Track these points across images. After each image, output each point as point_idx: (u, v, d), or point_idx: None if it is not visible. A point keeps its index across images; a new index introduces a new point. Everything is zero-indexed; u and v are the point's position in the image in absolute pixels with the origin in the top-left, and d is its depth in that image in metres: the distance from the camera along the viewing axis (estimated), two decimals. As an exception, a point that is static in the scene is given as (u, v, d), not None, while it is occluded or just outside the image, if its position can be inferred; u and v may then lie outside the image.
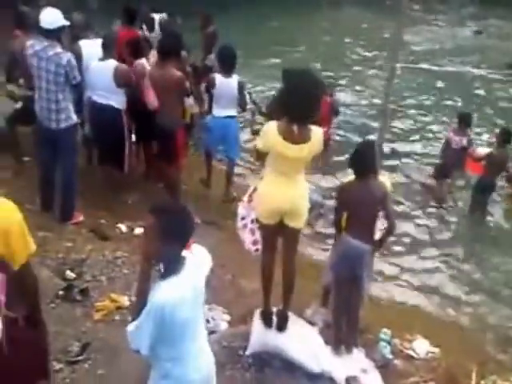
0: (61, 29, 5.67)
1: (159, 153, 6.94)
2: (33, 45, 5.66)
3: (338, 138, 9.98)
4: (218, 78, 6.98)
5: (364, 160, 4.45)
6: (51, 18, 5.55)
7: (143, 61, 6.80)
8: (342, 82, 12.96)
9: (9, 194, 2.89)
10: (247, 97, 7.94)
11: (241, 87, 7.04)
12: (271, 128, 4.06)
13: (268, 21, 17.25)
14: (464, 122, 8.60)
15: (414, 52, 15.11)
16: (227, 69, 6.98)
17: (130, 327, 2.74)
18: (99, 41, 6.54)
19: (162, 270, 2.71)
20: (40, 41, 5.61)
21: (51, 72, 5.58)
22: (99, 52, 6.45)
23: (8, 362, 2.69)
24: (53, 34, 5.57)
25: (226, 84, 6.94)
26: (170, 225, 2.65)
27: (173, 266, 2.71)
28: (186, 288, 2.73)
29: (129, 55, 6.86)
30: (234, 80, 6.99)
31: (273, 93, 9.28)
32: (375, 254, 4.80)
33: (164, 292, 2.66)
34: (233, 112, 7.20)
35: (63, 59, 5.56)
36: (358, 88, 12.84)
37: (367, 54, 15.49)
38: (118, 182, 6.88)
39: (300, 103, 3.93)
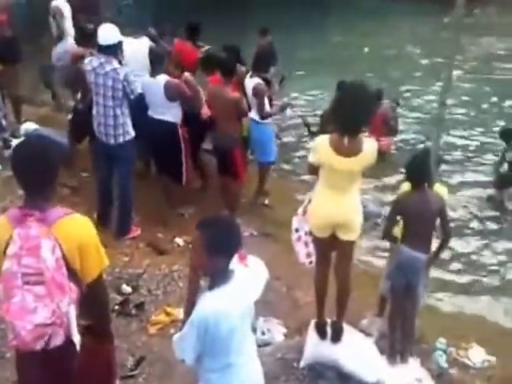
0: (117, 45, 5.80)
1: (219, 170, 7.02)
2: (90, 61, 5.81)
3: (393, 147, 9.86)
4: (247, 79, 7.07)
5: (420, 170, 4.38)
6: (108, 34, 5.70)
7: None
8: (401, 91, 12.78)
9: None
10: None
11: (256, 93, 6.94)
12: (322, 141, 4.07)
13: (331, 36, 17.09)
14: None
15: (471, 59, 14.79)
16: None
17: (176, 337, 2.80)
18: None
19: (209, 281, 2.76)
20: (97, 57, 5.76)
21: (109, 87, 5.68)
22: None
23: (81, 372, 2.78)
24: (110, 50, 5.70)
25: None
26: (214, 238, 2.69)
27: (219, 278, 2.74)
28: (232, 300, 2.74)
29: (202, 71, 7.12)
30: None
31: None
32: (432, 264, 4.71)
33: (208, 303, 2.70)
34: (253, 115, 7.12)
35: (120, 74, 5.66)
36: (415, 98, 12.65)
37: (426, 62, 15.22)
38: (175, 195, 6.95)
39: (350, 114, 3.92)
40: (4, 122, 6.82)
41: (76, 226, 2.71)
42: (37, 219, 2.59)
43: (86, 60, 5.91)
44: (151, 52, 6.64)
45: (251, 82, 6.92)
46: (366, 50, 15.91)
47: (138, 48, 6.84)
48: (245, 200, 7.40)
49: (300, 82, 12.39)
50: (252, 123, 7.13)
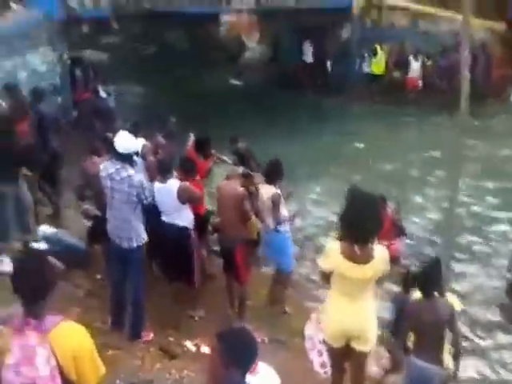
0: (134, 153, 6.05)
1: (224, 269, 7.08)
2: (106, 167, 5.98)
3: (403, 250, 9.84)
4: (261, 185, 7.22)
5: (429, 279, 4.43)
6: (126, 143, 5.90)
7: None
8: (409, 198, 12.86)
9: (81, 313, 3.05)
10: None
11: (274, 202, 7.01)
12: (333, 248, 4.11)
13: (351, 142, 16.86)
14: None
15: (477, 163, 14.91)
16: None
17: None
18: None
19: None
20: (113, 163, 5.94)
21: (124, 192, 5.84)
22: None
23: None
24: (126, 158, 5.89)
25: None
26: (233, 351, 2.71)
27: None
28: None
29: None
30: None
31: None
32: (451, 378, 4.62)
33: None
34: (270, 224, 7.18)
35: (135, 180, 5.83)
36: (423, 204, 12.71)
37: (432, 163, 15.30)
38: (184, 296, 6.99)
39: (359, 223, 3.99)
40: (32, 223, 6.92)
41: (71, 335, 2.79)
42: (33, 327, 2.70)
43: (102, 166, 6.12)
44: (159, 161, 6.89)
45: (267, 190, 7.04)
46: (362, 146, 15.97)
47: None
48: (256, 304, 7.38)
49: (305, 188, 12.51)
50: (270, 232, 7.18)
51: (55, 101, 13.00)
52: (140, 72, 22.13)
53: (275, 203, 6.95)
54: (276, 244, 7.23)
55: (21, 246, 6.62)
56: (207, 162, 8.09)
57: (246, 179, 7.32)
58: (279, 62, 22.37)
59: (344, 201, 4.44)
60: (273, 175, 7.05)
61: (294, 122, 16.77)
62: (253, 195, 7.62)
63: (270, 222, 7.10)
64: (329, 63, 20.67)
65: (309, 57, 21.08)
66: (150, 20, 16.37)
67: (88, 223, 7.35)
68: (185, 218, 6.68)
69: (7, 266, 5.95)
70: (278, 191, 7.01)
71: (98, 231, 6.87)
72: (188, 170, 6.94)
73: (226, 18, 16.80)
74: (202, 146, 8.05)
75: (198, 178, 7.12)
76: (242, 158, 9.08)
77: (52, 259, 3.02)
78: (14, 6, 13.19)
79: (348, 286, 4.08)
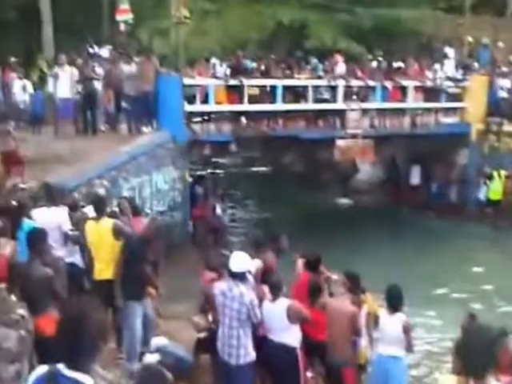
0: (246, 272, 6.28)
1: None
2: (220, 285, 6.28)
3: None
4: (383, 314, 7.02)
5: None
6: (240, 262, 6.20)
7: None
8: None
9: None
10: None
11: (406, 327, 6.79)
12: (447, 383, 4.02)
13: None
14: None
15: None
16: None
17: None
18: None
19: None
20: (227, 281, 6.22)
21: (235, 310, 6.04)
22: None
23: None
24: (239, 276, 6.15)
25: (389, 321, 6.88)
26: None
27: None
28: None
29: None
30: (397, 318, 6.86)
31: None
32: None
33: None
34: (398, 352, 6.87)
35: (246, 299, 6.04)
36: None
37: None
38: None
39: (475, 356, 3.91)
40: (138, 350, 7.13)
41: None
42: None
43: (216, 284, 6.38)
44: (271, 280, 6.98)
45: (395, 319, 6.80)
46: (480, 270, 15.39)
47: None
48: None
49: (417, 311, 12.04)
50: (391, 360, 6.83)
51: (174, 217, 13.78)
52: (255, 190, 23.09)
53: (407, 331, 6.70)
54: (396, 373, 6.82)
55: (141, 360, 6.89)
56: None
57: (355, 295, 7.27)
58: (390, 184, 22.62)
59: (460, 330, 4.35)
60: (396, 303, 6.91)
61: (406, 242, 16.63)
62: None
63: (394, 350, 6.86)
64: (435, 186, 20.77)
65: (416, 179, 21.29)
66: (266, 143, 17.20)
67: (198, 335, 7.54)
68: (293, 337, 6.65)
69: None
70: (406, 318, 6.83)
71: (208, 343, 7.04)
72: (315, 294, 7.06)
73: (340, 142, 17.28)
74: (313, 265, 8.11)
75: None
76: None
77: (165, 372, 3.21)
78: (145, 129, 14.41)
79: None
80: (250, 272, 6.49)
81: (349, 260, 10.64)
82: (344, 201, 22.91)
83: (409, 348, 6.79)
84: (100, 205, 7.50)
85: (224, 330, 6.18)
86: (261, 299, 6.53)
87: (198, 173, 19.15)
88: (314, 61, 18.52)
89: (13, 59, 16.39)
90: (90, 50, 17.62)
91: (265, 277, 7.29)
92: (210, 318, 7.22)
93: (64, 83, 14.79)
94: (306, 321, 6.70)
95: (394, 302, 6.88)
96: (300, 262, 8.14)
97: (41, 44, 21.11)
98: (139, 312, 7.00)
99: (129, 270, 6.92)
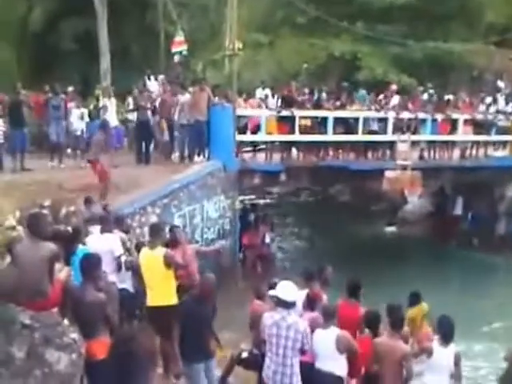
0: (296, 301, 6.37)
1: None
2: (272, 315, 6.32)
3: None
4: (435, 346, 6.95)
5: None
6: (289, 292, 6.28)
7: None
8: None
9: None
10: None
11: (457, 359, 6.77)
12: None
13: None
14: None
15: None
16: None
17: None
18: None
19: None
20: (278, 311, 6.27)
21: (290, 339, 6.12)
22: None
23: None
24: (289, 305, 6.24)
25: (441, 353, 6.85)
26: None
27: None
28: None
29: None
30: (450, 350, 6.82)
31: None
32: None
33: None
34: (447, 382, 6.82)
35: (301, 326, 6.15)
36: None
37: None
38: None
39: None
40: None
41: None
42: None
43: (267, 314, 6.45)
44: (323, 308, 7.06)
45: (448, 350, 6.78)
46: None
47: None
48: None
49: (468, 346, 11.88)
50: None
51: (223, 245, 13.96)
52: (304, 219, 23.15)
53: (457, 362, 6.72)
54: None
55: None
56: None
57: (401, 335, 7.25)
58: (438, 216, 22.48)
59: (504, 363, 4.37)
60: (449, 335, 6.85)
61: (451, 274, 16.46)
62: None
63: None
64: (482, 218, 20.57)
65: (460, 211, 21.25)
66: (316, 173, 17.33)
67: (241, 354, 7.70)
68: (341, 367, 6.70)
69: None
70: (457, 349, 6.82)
71: (249, 364, 7.21)
72: (373, 325, 7.12)
73: (389, 173, 17.27)
74: (354, 292, 8.07)
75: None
76: None
77: None
78: (196, 158, 14.75)
79: None
80: (298, 300, 6.60)
81: (393, 293, 10.49)
82: (390, 229, 23.13)
83: (457, 378, 6.80)
84: (156, 232, 7.70)
85: (276, 360, 6.22)
86: (311, 327, 6.60)
87: (251, 201, 19.39)
88: (362, 91, 18.62)
89: (70, 88, 16.96)
90: (147, 81, 18.11)
91: (311, 305, 7.41)
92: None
93: (112, 113, 15.36)
94: (355, 353, 6.74)
95: (447, 334, 6.86)
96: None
97: (98, 74, 21.83)
98: (203, 374, 6.84)
99: (189, 333, 6.76)
